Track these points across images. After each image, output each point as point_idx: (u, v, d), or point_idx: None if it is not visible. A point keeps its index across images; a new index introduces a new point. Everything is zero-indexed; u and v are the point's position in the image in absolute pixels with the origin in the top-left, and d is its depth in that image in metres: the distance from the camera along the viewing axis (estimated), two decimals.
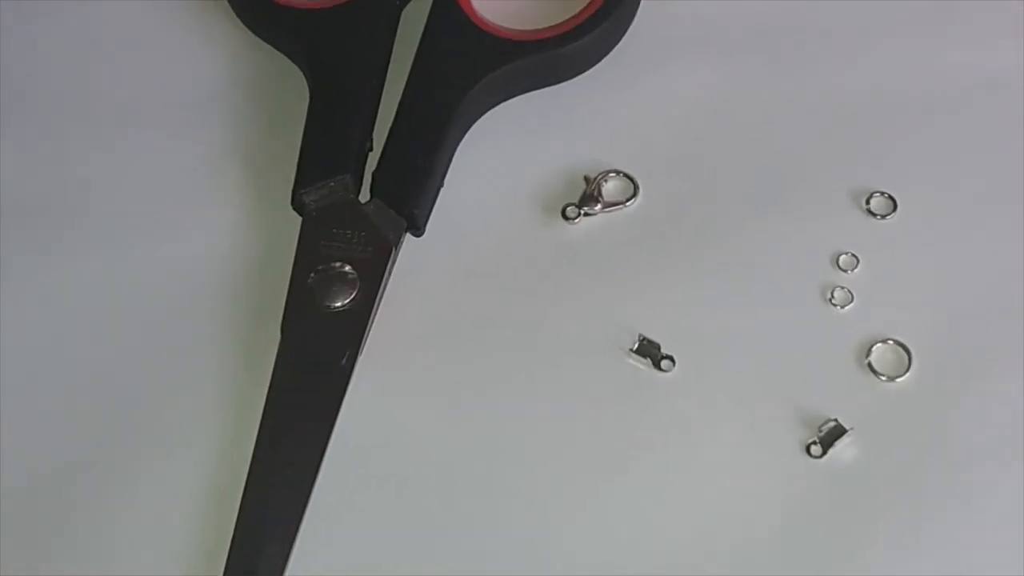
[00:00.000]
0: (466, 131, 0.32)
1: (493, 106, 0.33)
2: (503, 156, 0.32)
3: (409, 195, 0.30)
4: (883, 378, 0.28)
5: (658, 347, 0.28)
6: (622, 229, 0.31)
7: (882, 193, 0.31)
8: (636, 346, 0.28)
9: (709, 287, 0.30)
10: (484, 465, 0.28)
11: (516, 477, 0.28)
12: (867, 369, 0.28)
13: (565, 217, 0.31)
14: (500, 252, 0.31)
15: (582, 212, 0.31)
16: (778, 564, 0.26)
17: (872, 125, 0.33)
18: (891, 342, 0.29)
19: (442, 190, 0.31)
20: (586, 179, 0.32)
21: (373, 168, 0.30)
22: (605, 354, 0.29)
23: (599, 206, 0.31)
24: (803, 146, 0.32)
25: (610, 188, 0.32)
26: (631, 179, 0.32)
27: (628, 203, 0.31)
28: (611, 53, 0.33)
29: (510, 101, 0.33)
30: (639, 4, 0.33)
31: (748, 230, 0.31)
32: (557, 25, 0.32)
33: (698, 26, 0.35)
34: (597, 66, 0.33)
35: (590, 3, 0.33)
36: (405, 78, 0.31)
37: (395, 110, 0.31)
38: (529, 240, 0.31)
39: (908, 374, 0.28)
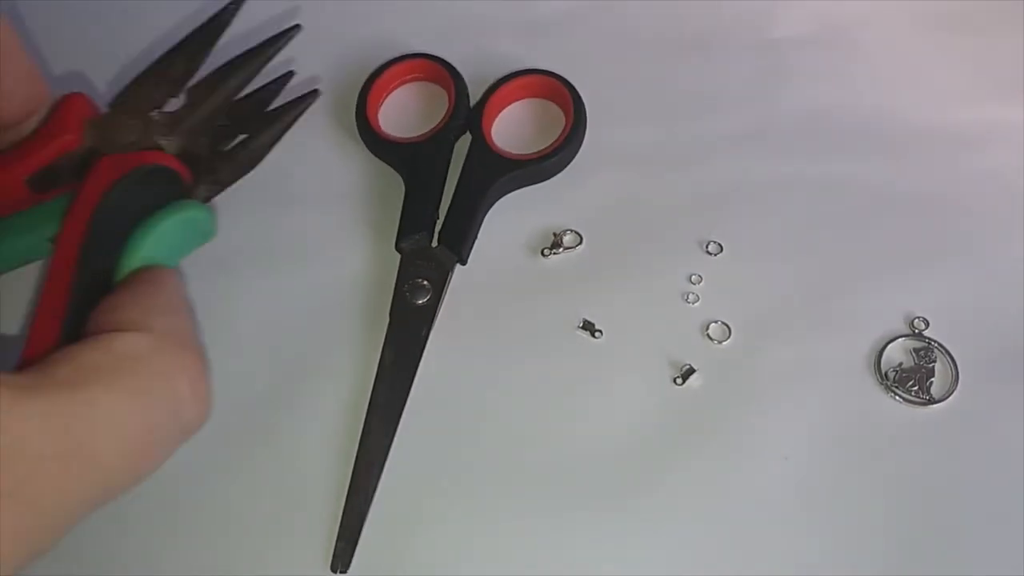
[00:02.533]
0: (490, 208, 0.42)
1: (505, 194, 0.42)
2: (510, 222, 0.42)
3: (459, 243, 0.40)
4: (715, 342, 0.38)
5: (593, 324, 0.39)
6: (573, 262, 0.41)
7: (715, 242, 0.41)
8: (581, 324, 0.39)
9: (621, 293, 0.40)
10: (491, 390, 0.37)
11: (511, 395, 0.37)
12: (707, 337, 0.38)
13: (542, 255, 0.41)
14: (505, 275, 0.40)
15: (551, 252, 0.41)
16: (657, 446, 0.36)
17: (709, 204, 0.42)
18: (720, 322, 0.39)
19: (476, 239, 0.41)
20: (554, 234, 0.41)
21: (439, 228, 0.40)
22: (564, 329, 0.39)
23: (561, 249, 0.41)
24: (673, 216, 0.42)
25: (567, 239, 0.41)
26: (579, 234, 0.41)
27: (577, 248, 0.41)
28: (569, 166, 0.43)
29: (513, 192, 0.43)
30: (584, 138, 0.43)
31: (642, 263, 0.40)
32: (540, 150, 0.42)
33: (614, 150, 0.44)
34: (561, 173, 0.43)
35: (557, 138, 0.43)
36: (457, 179, 0.41)
37: (451, 197, 0.41)
38: (522, 268, 0.41)
39: (729, 340, 0.38)
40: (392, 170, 0.43)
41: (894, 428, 0.37)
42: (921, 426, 0.37)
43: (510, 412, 0.37)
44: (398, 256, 0.40)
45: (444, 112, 0.44)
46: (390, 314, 0.39)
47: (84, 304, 0.29)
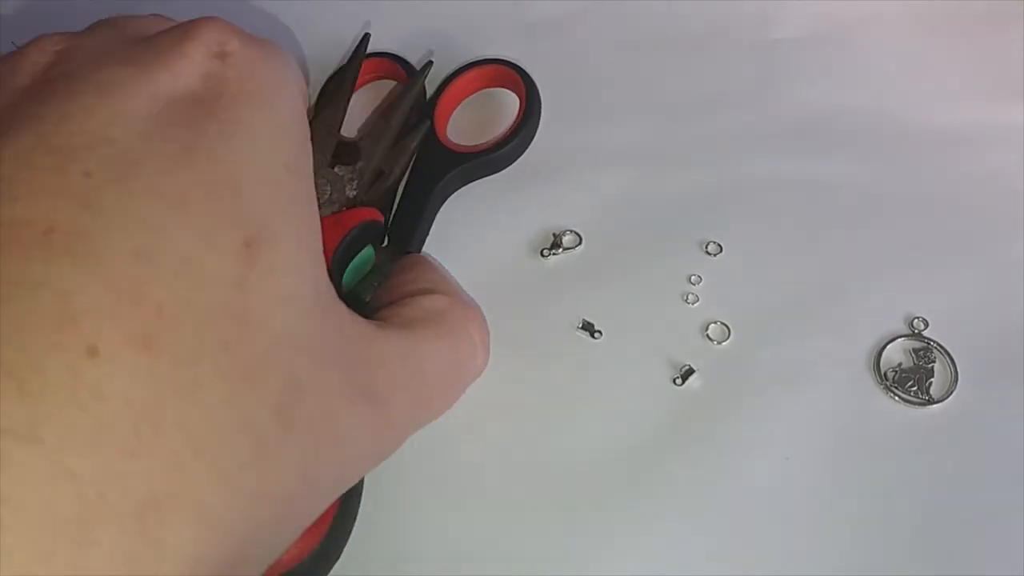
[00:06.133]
0: (441, 205, 0.42)
1: (456, 190, 0.42)
2: (510, 222, 0.42)
3: (406, 241, 0.40)
4: (715, 343, 0.38)
5: (593, 324, 0.38)
6: (573, 262, 0.41)
7: (715, 242, 0.41)
8: (581, 324, 0.38)
9: (621, 293, 0.39)
10: (489, 391, 0.36)
11: (509, 395, 0.37)
12: (706, 338, 0.38)
13: (542, 255, 0.41)
14: (505, 275, 0.40)
15: (551, 252, 0.41)
16: (657, 447, 0.36)
17: (709, 204, 0.42)
18: (719, 322, 0.39)
19: (479, 241, 0.41)
20: (554, 234, 0.41)
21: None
22: (564, 330, 0.39)
23: (561, 249, 0.41)
24: (673, 216, 0.42)
25: (567, 239, 0.41)
26: (579, 234, 0.41)
27: (577, 248, 0.41)
28: (570, 166, 0.43)
29: (514, 195, 0.42)
30: (536, 131, 0.44)
31: (642, 263, 0.40)
32: (488, 141, 0.43)
33: (614, 150, 0.43)
34: (562, 173, 0.43)
35: (505, 131, 0.43)
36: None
37: (400, 193, 0.41)
38: (522, 268, 0.41)
39: (729, 340, 0.38)
40: None
41: (894, 428, 0.37)
42: (921, 426, 0.37)
43: (508, 412, 0.37)
44: None
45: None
46: None
47: None
